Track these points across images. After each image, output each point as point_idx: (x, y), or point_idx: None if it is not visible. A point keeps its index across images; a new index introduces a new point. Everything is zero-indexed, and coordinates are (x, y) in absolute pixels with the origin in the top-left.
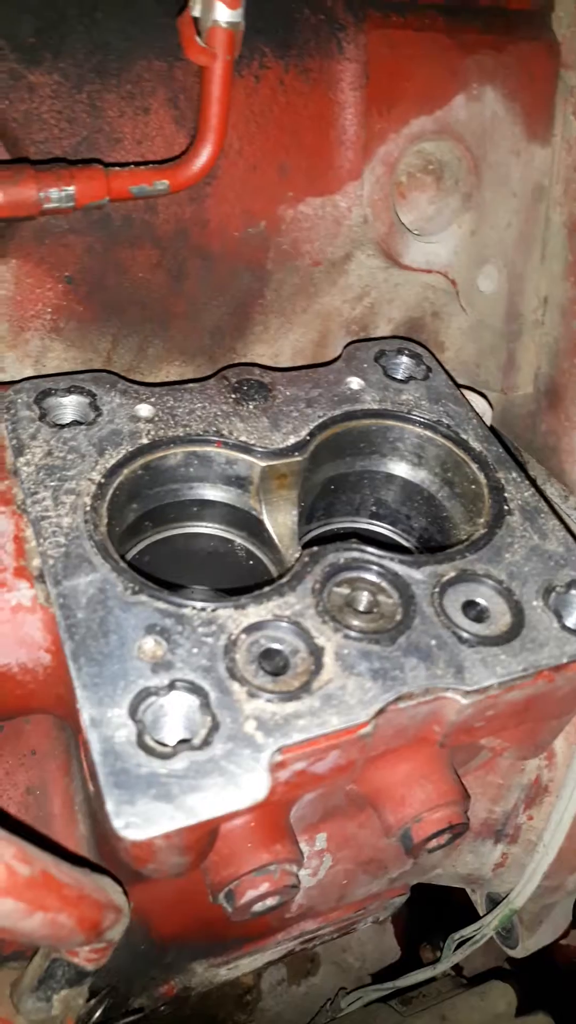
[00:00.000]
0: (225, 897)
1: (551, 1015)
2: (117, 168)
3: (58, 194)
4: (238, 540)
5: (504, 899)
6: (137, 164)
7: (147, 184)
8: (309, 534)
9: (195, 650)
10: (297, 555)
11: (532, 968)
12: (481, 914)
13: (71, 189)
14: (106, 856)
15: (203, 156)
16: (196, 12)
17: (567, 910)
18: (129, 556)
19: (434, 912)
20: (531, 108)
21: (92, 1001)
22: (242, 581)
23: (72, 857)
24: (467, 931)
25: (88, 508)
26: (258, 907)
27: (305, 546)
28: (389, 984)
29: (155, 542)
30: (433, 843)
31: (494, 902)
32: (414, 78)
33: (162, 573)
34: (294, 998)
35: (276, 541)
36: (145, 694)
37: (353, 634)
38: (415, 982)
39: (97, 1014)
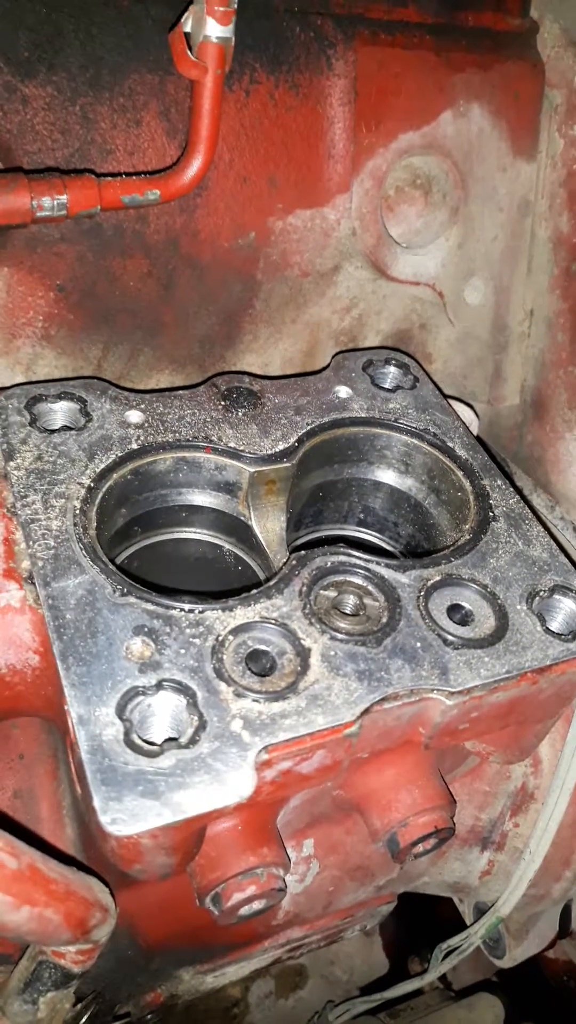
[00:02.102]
0: (212, 901)
1: None
2: (109, 178)
3: (51, 202)
4: (227, 546)
5: (491, 908)
6: (129, 175)
7: (139, 194)
8: (298, 540)
9: (183, 651)
10: (285, 560)
11: (520, 980)
12: (468, 924)
13: (64, 198)
14: (94, 859)
15: (194, 167)
16: (188, 28)
17: (553, 920)
18: (119, 561)
19: (422, 925)
20: (517, 125)
21: (79, 1006)
22: (231, 586)
23: (60, 856)
24: (454, 940)
25: (77, 512)
26: (244, 911)
27: (294, 552)
28: (377, 996)
29: (145, 547)
30: (419, 848)
31: (481, 912)
32: (402, 94)
33: (152, 578)
34: (282, 1011)
35: (264, 546)
36: (133, 693)
37: (339, 636)
38: (403, 993)
39: (84, 1019)
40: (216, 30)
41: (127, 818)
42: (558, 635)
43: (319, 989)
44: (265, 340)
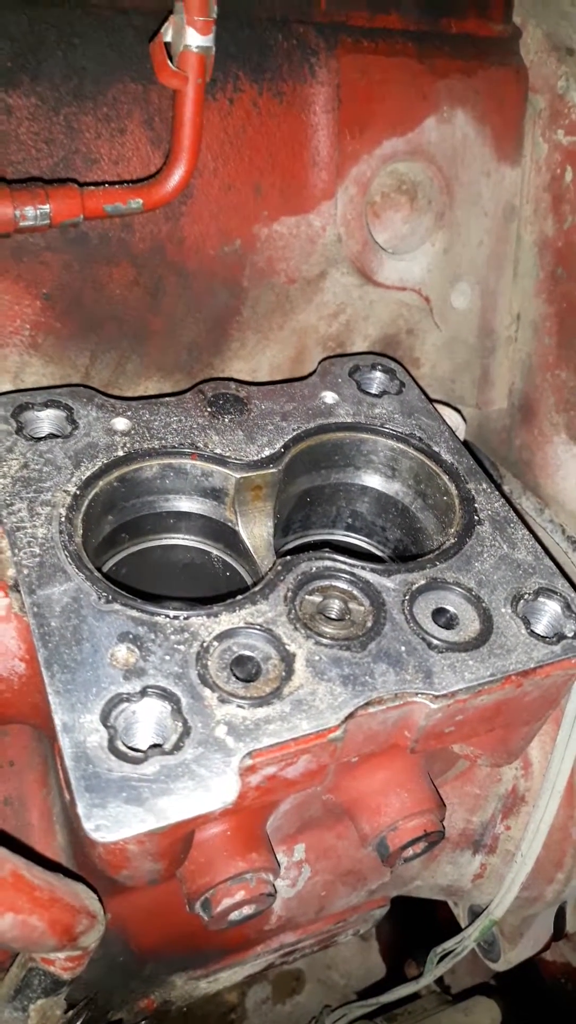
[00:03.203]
0: (201, 906)
1: None
2: (92, 187)
3: (34, 212)
4: (214, 552)
5: (484, 911)
6: (113, 183)
7: (121, 203)
8: (286, 546)
9: (167, 657)
10: (271, 566)
11: (517, 984)
12: (463, 927)
13: (46, 207)
14: (83, 866)
15: (176, 175)
16: (168, 37)
17: (548, 922)
18: (106, 568)
19: (419, 928)
20: (501, 130)
21: (70, 1013)
22: (219, 592)
23: (46, 863)
24: (449, 944)
25: (63, 519)
26: (235, 916)
27: (281, 557)
28: (373, 1000)
29: (132, 554)
30: (409, 851)
31: (475, 915)
32: (385, 101)
33: (139, 585)
34: (279, 1016)
35: (252, 552)
36: (117, 700)
37: (324, 641)
38: (400, 997)
39: None
40: (196, 40)
41: (111, 824)
42: (543, 638)
43: (316, 994)
44: (253, 347)
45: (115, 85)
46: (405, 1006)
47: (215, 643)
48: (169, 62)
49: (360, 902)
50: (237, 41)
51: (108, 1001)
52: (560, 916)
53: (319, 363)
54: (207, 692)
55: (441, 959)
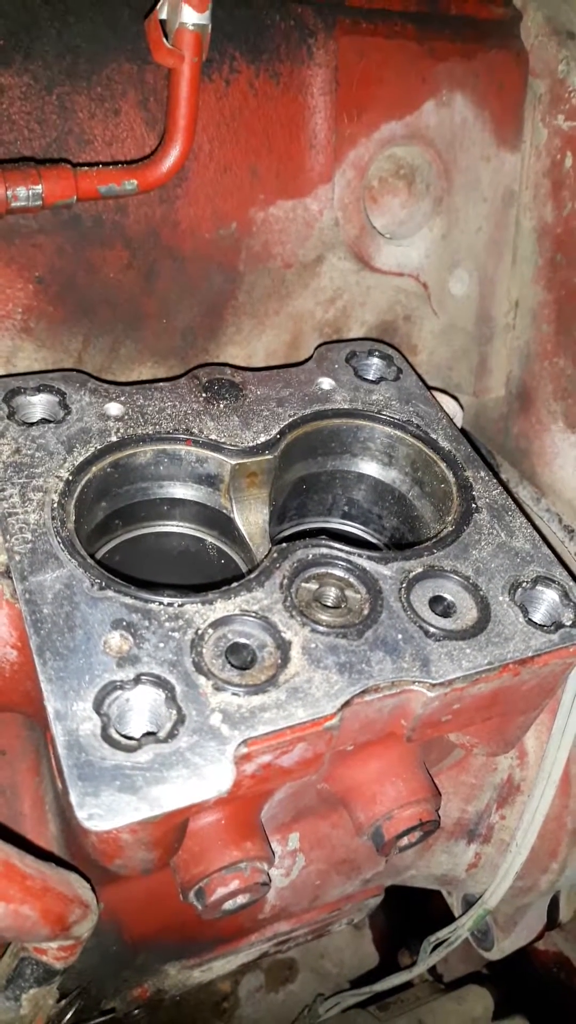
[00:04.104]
0: (195, 895)
1: (528, 1019)
2: (86, 168)
3: (26, 192)
4: (209, 539)
5: (478, 900)
6: (107, 164)
7: (116, 184)
8: (282, 533)
9: (162, 644)
10: (267, 553)
11: (510, 972)
12: (457, 916)
13: (39, 188)
14: (76, 855)
15: (171, 157)
16: (163, 15)
17: (541, 912)
18: (99, 555)
19: (413, 918)
20: (500, 115)
21: (63, 1002)
22: (214, 580)
23: (39, 852)
24: (442, 933)
25: (56, 505)
26: (228, 905)
27: (276, 544)
28: (366, 989)
29: (126, 541)
30: (404, 841)
31: (469, 904)
32: (384, 84)
33: (133, 572)
34: (272, 1005)
35: (247, 539)
36: (111, 688)
37: (320, 628)
38: (393, 986)
39: (68, 1015)
40: (192, 17)
41: (104, 813)
42: (540, 626)
43: (309, 982)
44: (248, 332)
45: (110, 64)
46: (398, 995)
47: (210, 630)
48: (164, 40)
49: (354, 891)
50: (234, 21)
51: (101, 990)
52: (554, 905)
53: (315, 349)
54: (202, 680)
55: (435, 948)
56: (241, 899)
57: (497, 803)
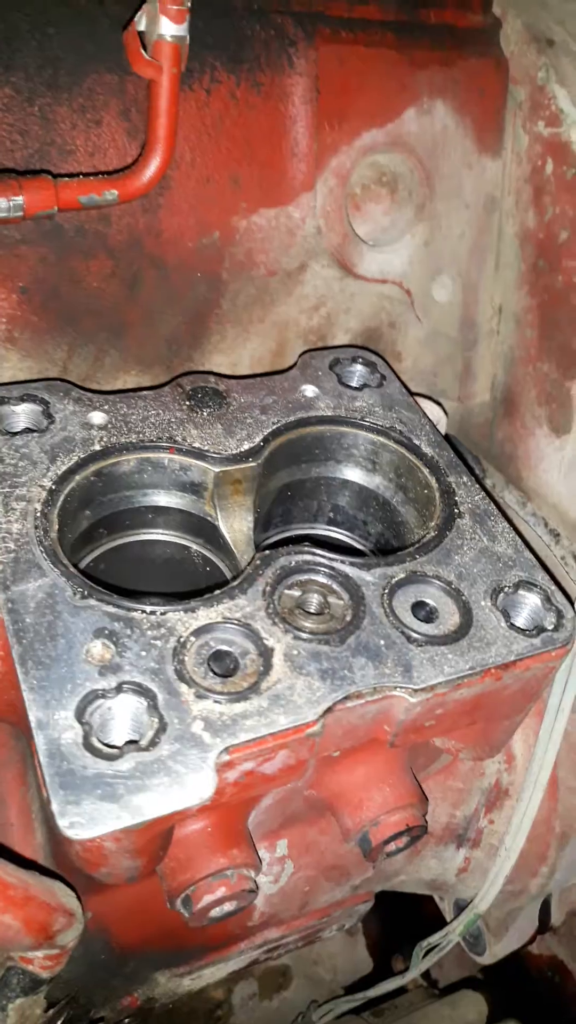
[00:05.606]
0: (182, 903)
1: (522, 1023)
2: (67, 178)
3: (6, 203)
4: (194, 547)
5: (469, 904)
6: (89, 175)
7: (96, 194)
8: (267, 540)
9: (144, 653)
10: (250, 560)
11: (503, 977)
12: (448, 921)
13: (19, 199)
14: (63, 864)
15: (152, 167)
16: (142, 26)
17: (533, 916)
18: (84, 564)
19: (406, 923)
20: (481, 122)
21: (51, 1012)
22: (199, 588)
23: (24, 862)
24: (434, 938)
25: (38, 514)
26: (215, 912)
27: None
28: (360, 995)
29: (110, 549)
30: (391, 846)
31: (460, 909)
32: (364, 92)
33: (118, 581)
34: (266, 1012)
35: (232, 547)
36: (92, 697)
37: (303, 635)
38: (386, 992)
39: None
40: (170, 29)
41: (85, 822)
42: (522, 631)
43: (303, 989)
44: (233, 340)
45: (91, 75)
46: (392, 1000)
47: (192, 638)
48: (143, 51)
49: (344, 897)
50: (213, 31)
51: (90, 999)
52: (545, 909)
53: (299, 356)
54: (184, 688)
55: (427, 953)
56: (228, 906)
57: (486, 807)
